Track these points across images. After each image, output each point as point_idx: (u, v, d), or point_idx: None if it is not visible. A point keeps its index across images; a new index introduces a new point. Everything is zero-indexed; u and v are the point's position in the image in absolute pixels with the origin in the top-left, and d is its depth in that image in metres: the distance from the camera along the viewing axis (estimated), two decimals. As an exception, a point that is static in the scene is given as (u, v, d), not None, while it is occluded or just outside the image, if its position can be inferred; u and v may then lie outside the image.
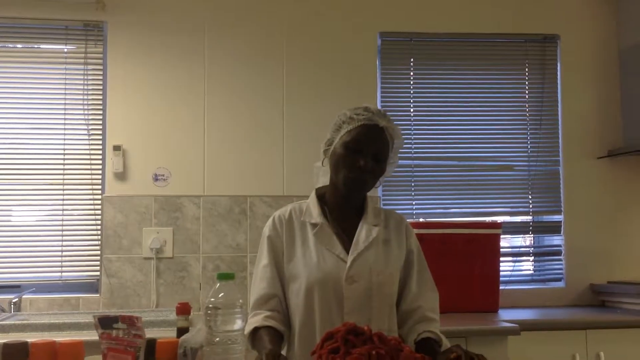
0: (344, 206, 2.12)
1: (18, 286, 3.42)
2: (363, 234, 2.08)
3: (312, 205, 2.14)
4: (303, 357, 1.99)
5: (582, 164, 3.91)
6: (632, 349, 3.14)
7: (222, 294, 1.36)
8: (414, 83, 3.87)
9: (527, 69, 3.96)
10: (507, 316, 3.23)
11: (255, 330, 1.97)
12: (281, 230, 2.11)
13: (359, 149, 2.02)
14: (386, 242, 2.11)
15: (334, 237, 2.06)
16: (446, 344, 2.03)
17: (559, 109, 3.95)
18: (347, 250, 2.05)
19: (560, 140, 3.93)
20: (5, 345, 1.42)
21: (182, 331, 1.58)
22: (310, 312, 2.00)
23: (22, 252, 3.49)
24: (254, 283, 2.09)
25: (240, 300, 1.37)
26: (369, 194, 2.16)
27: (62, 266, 3.49)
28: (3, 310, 3.23)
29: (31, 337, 1.50)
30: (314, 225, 2.09)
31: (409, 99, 3.86)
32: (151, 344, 1.41)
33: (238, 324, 1.36)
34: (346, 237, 2.08)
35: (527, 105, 3.95)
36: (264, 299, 2.04)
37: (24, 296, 3.33)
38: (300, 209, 2.15)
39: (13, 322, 2.91)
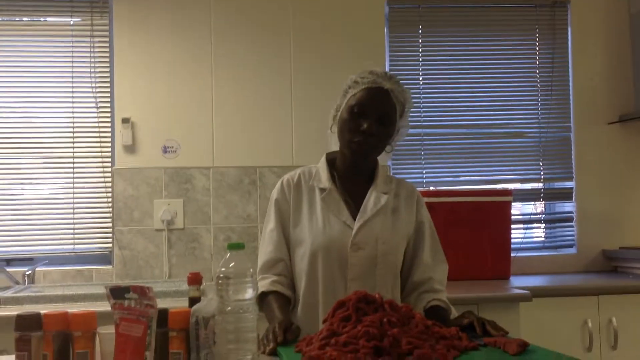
0: (352, 172, 2.10)
1: (31, 259, 3.45)
2: (371, 201, 2.07)
3: (321, 169, 2.13)
4: (306, 322, 2.00)
5: (593, 129, 3.88)
6: (644, 314, 3.14)
7: (233, 263, 1.36)
8: (422, 51, 3.84)
9: (537, 35, 3.92)
10: (519, 283, 3.23)
11: (263, 295, 1.99)
12: (289, 194, 2.10)
13: (363, 112, 2.00)
14: (395, 210, 2.10)
15: (342, 202, 2.05)
16: (454, 313, 2.03)
17: (570, 74, 3.91)
18: (354, 217, 2.04)
19: (571, 106, 3.89)
20: (19, 316, 1.43)
21: (194, 301, 1.58)
22: (314, 277, 2.01)
23: (34, 225, 3.51)
24: (262, 247, 2.11)
25: (251, 270, 1.37)
26: (380, 161, 2.15)
27: (74, 239, 3.51)
28: (17, 283, 3.26)
29: (45, 309, 1.51)
30: (322, 189, 2.07)
31: (418, 67, 3.83)
32: (163, 313, 1.42)
33: (249, 293, 1.36)
34: (354, 203, 2.07)
35: (537, 72, 3.91)
36: (270, 263, 2.05)
37: (37, 268, 3.35)
38: (309, 173, 2.14)
39: (27, 294, 2.93)
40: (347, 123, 2.01)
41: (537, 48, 3.92)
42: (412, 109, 3.80)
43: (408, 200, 2.14)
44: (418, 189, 3.65)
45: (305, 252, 2.02)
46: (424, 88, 3.82)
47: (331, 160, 2.15)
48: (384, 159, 2.17)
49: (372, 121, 1.99)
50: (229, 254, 1.38)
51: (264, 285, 2.02)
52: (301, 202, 2.09)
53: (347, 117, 2.02)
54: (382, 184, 2.11)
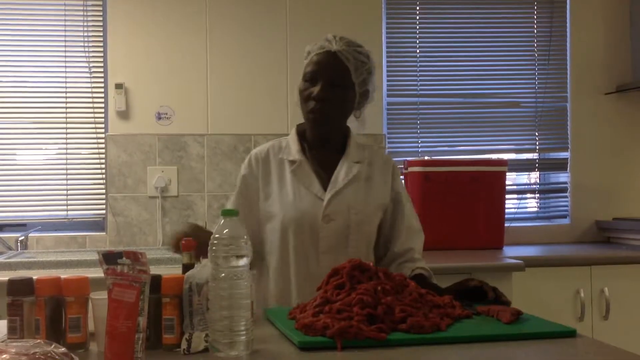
0: (322, 143, 2.07)
1: (24, 225, 3.44)
2: (343, 171, 2.04)
3: (291, 141, 2.09)
4: (278, 296, 1.99)
5: (590, 100, 3.86)
6: (636, 284, 3.16)
7: (227, 230, 1.35)
8: (419, 19, 3.80)
9: (536, 4, 3.88)
10: (512, 253, 3.24)
11: None
12: (257, 169, 2.07)
13: (314, 78, 1.98)
14: (368, 179, 2.07)
15: (313, 174, 2.02)
16: (435, 282, 2.03)
17: (568, 44, 3.88)
18: (326, 189, 2.01)
19: (568, 77, 3.87)
20: (11, 280, 1.42)
21: (187, 267, 1.58)
22: (285, 251, 1.99)
23: (27, 191, 3.49)
24: None
25: (245, 236, 1.36)
26: (356, 130, 2.12)
27: (67, 205, 3.50)
28: (10, 249, 3.25)
29: (38, 275, 1.50)
30: (292, 162, 2.04)
31: (415, 36, 3.79)
32: (156, 279, 1.41)
33: (243, 260, 1.35)
34: (326, 175, 2.04)
35: (535, 41, 3.88)
36: None
37: (30, 234, 3.34)
38: (279, 146, 2.10)
39: (20, 260, 2.93)
40: (301, 92, 2.01)
41: (535, 17, 3.89)
42: (408, 77, 3.79)
43: (383, 169, 2.11)
44: (413, 158, 3.67)
45: (276, 226, 1.99)
46: (420, 56, 3.79)
47: (301, 132, 2.11)
48: (360, 128, 2.13)
49: (322, 86, 1.96)
50: (222, 221, 1.37)
51: None
52: (270, 176, 2.06)
53: (301, 86, 2.02)
54: (354, 153, 2.08)
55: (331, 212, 1.97)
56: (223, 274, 1.34)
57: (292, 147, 2.07)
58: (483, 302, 1.76)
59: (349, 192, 2.01)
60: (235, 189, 2.13)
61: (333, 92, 1.97)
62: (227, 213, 1.38)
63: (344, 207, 1.98)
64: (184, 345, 1.39)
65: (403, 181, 3.56)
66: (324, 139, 2.07)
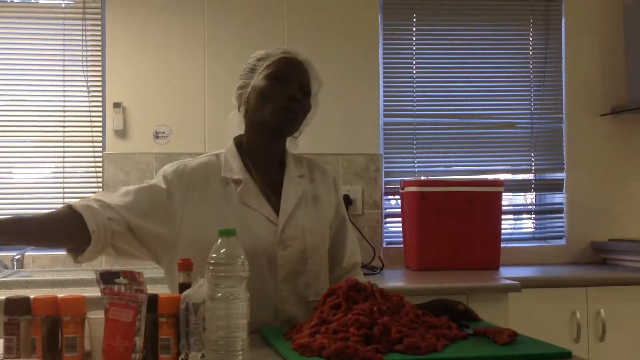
0: (265, 154, 1.94)
1: (20, 243, 3.43)
2: (290, 190, 1.92)
3: (231, 157, 1.93)
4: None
5: (585, 121, 3.88)
6: (633, 306, 3.16)
7: (224, 249, 1.36)
8: (416, 39, 3.83)
9: (531, 25, 3.91)
10: (508, 273, 3.25)
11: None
12: (187, 184, 1.86)
13: (284, 78, 1.88)
14: (315, 198, 1.98)
15: (260, 195, 1.88)
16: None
17: (563, 65, 3.91)
18: (276, 210, 1.88)
19: (563, 98, 3.90)
20: (8, 300, 1.42)
21: (184, 287, 1.58)
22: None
23: (24, 209, 3.48)
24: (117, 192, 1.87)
25: (242, 256, 1.36)
26: (289, 149, 2.02)
27: (64, 223, 3.49)
28: (6, 267, 3.24)
29: (34, 294, 1.50)
30: (237, 181, 1.88)
31: (412, 56, 3.82)
32: (153, 299, 1.41)
33: (240, 280, 1.35)
34: (272, 193, 1.91)
35: (530, 62, 3.91)
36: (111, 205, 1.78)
37: (26, 253, 3.34)
38: (218, 163, 1.93)
39: (16, 279, 2.93)
40: (268, 89, 1.87)
41: (530, 39, 3.92)
42: (405, 98, 3.82)
43: (325, 185, 2.03)
44: (409, 178, 3.68)
45: None
46: (417, 77, 3.81)
47: (238, 145, 1.96)
48: (292, 146, 2.02)
49: (295, 87, 1.88)
50: (219, 240, 1.37)
51: (80, 202, 1.76)
52: (208, 196, 1.86)
53: (267, 83, 1.87)
54: (294, 167, 1.98)
55: (287, 237, 1.86)
56: (220, 294, 1.34)
57: (233, 163, 1.91)
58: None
59: (301, 214, 1.91)
60: (144, 182, 1.95)
61: (303, 96, 1.92)
62: (224, 233, 1.38)
63: (299, 230, 1.88)
64: (180, 365, 1.38)
65: (399, 201, 3.59)
66: (269, 151, 1.95)
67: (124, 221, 1.79)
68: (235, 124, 2.00)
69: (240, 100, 1.96)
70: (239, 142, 1.98)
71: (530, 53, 3.91)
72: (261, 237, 1.84)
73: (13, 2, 3.55)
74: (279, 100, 1.86)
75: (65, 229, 1.74)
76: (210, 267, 1.35)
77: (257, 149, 1.94)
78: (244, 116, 1.96)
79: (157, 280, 2.84)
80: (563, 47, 3.91)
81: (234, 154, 1.93)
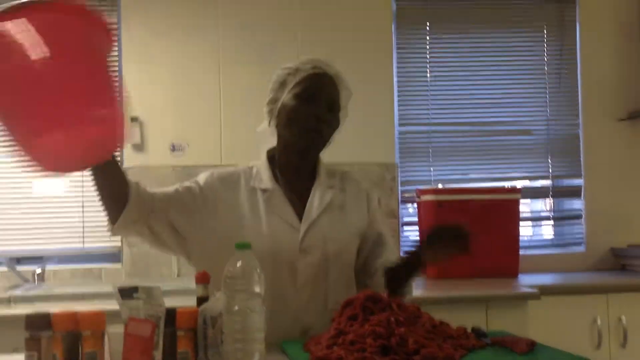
0: (296, 168, 1.97)
1: (41, 257, 3.47)
2: (316, 199, 1.94)
3: (262, 169, 1.98)
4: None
5: (602, 126, 3.86)
6: (653, 311, 3.13)
7: (240, 263, 1.37)
8: (430, 47, 3.83)
9: (545, 31, 3.91)
10: (527, 281, 3.23)
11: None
12: (221, 189, 1.94)
13: (312, 98, 1.89)
14: (342, 207, 1.98)
15: (286, 202, 1.91)
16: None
17: (578, 70, 3.89)
18: (300, 217, 1.91)
19: (579, 103, 3.88)
20: (28, 316, 1.44)
21: (201, 300, 1.59)
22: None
23: (44, 223, 3.52)
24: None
25: (258, 270, 1.37)
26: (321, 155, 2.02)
27: (83, 237, 3.53)
28: (27, 281, 3.28)
29: (55, 307, 1.52)
30: (264, 190, 1.93)
31: (426, 64, 3.82)
32: (171, 313, 1.42)
33: (257, 292, 1.36)
34: (299, 202, 1.94)
35: (545, 68, 3.90)
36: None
37: (47, 267, 3.37)
38: (250, 174, 1.98)
39: (37, 293, 2.96)
40: (296, 110, 1.89)
41: (545, 44, 3.91)
42: (419, 106, 3.81)
43: (356, 197, 2.03)
44: (426, 186, 3.67)
45: None
46: (431, 85, 3.82)
47: (270, 158, 2.01)
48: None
49: (322, 107, 1.89)
50: (236, 253, 1.38)
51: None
52: (239, 202, 1.93)
53: (295, 104, 1.90)
54: (325, 178, 2.00)
55: (308, 244, 1.88)
56: (237, 307, 1.35)
57: (264, 174, 1.96)
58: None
59: (324, 221, 1.92)
60: (181, 182, 2.00)
61: (331, 114, 1.93)
62: (240, 246, 1.39)
63: (319, 238, 1.90)
64: (198, 378, 1.39)
65: (409, 209, 3.57)
66: (300, 165, 1.98)
67: (166, 206, 1.88)
68: (266, 136, 2.02)
69: (271, 115, 1.99)
70: (271, 156, 2.01)
71: (545, 59, 3.90)
72: (283, 243, 1.86)
73: (31, 19, 3.58)
74: (306, 121, 1.89)
75: (118, 184, 1.81)
76: (227, 281, 1.36)
77: (287, 161, 1.97)
78: (276, 128, 1.99)
79: (177, 293, 2.85)
80: (578, 52, 3.89)
81: (266, 166, 1.98)
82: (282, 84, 1.96)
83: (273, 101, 1.98)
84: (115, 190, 1.82)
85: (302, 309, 1.88)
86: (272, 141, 2.01)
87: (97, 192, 1.83)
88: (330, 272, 1.91)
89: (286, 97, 1.93)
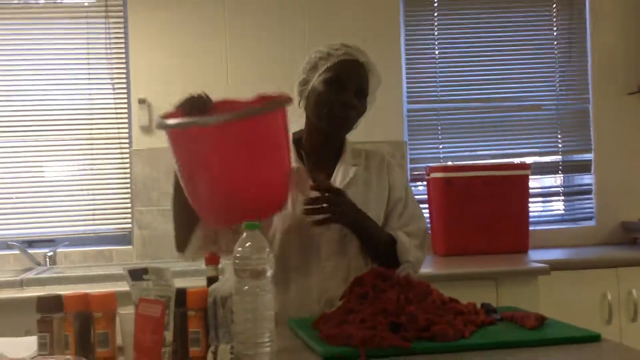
0: (322, 149, 2.02)
1: (52, 240, 3.49)
2: (340, 175, 2.00)
3: None
4: (277, 305, 1.88)
5: (612, 100, 3.83)
6: (664, 285, 3.12)
7: (249, 243, 1.37)
8: (438, 24, 3.80)
9: (555, 4, 3.86)
10: (537, 256, 3.23)
11: None
12: None
13: (342, 84, 1.93)
14: (366, 183, 2.02)
15: (309, 180, 1.91)
16: (403, 247, 1.95)
17: (588, 45, 3.85)
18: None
19: (589, 78, 3.85)
20: (40, 298, 1.45)
21: (211, 280, 1.60)
22: (285, 259, 1.93)
23: (54, 206, 3.54)
24: None
25: (267, 249, 1.37)
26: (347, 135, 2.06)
27: (94, 219, 3.54)
28: (39, 264, 3.30)
29: (66, 290, 1.53)
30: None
31: (434, 41, 3.79)
32: (181, 293, 1.43)
33: (266, 272, 1.37)
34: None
35: (555, 43, 3.87)
36: None
37: (58, 250, 3.39)
38: None
39: (49, 276, 2.99)
40: (325, 95, 1.93)
41: (554, 18, 3.87)
42: (428, 83, 3.80)
43: (378, 170, 2.07)
44: (435, 164, 3.67)
45: (275, 234, 1.94)
46: (440, 62, 3.79)
47: (297, 140, 2.05)
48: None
49: (350, 93, 1.93)
50: (245, 234, 1.39)
51: None
52: None
53: (324, 89, 1.93)
54: (351, 157, 2.05)
55: None
56: (246, 287, 1.35)
57: None
58: None
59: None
60: None
61: (359, 101, 1.96)
62: (249, 226, 1.39)
63: None
64: (210, 358, 1.40)
65: (419, 187, 3.56)
66: (326, 146, 2.03)
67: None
68: (295, 116, 2.02)
69: (302, 96, 2.02)
70: (297, 138, 2.05)
71: (555, 34, 3.87)
72: (306, 218, 1.88)
73: (38, 3, 3.59)
74: (335, 108, 1.92)
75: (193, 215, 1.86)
76: (236, 261, 1.36)
77: (314, 143, 2.02)
78: (305, 110, 2.02)
79: (187, 274, 2.87)
80: (587, 26, 3.85)
81: (291, 147, 1.98)
82: (314, 67, 1.99)
83: (304, 82, 2.01)
84: (189, 219, 1.89)
85: (327, 279, 1.92)
86: (300, 122, 2.06)
87: (174, 220, 1.94)
88: (352, 245, 1.95)
89: (316, 81, 1.96)
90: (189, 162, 1.76)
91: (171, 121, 1.77)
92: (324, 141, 2.02)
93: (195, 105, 1.85)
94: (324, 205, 1.82)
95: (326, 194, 1.83)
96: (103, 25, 3.57)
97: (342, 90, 1.93)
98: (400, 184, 2.09)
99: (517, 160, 3.78)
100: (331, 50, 1.97)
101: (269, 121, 1.72)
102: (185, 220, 1.89)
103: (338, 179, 1.99)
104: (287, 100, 1.74)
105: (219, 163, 1.66)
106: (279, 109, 1.72)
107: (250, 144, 1.66)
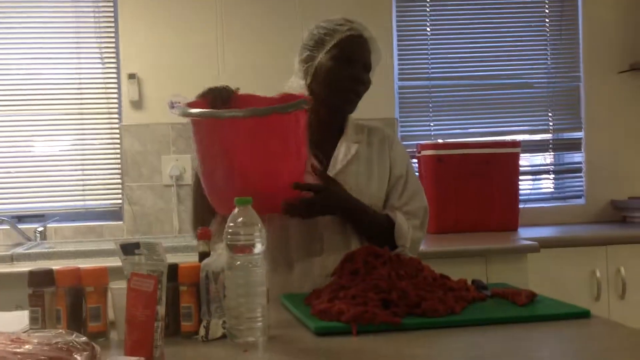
0: (326, 125, 2.03)
1: (42, 215, 3.48)
2: (342, 152, 2.01)
3: None
4: (277, 283, 1.87)
5: (603, 79, 3.83)
6: (653, 263, 3.15)
7: (241, 218, 1.37)
8: (430, 1, 3.77)
9: (546, -19, 3.85)
10: (527, 234, 3.24)
11: None
12: None
13: (350, 60, 1.95)
14: (368, 160, 2.04)
15: (311, 157, 1.95)
16: (400, 230, 1.97)
17: (580, 23, 3.84)
18: (325, 170, 1.96)
19: (580, 56, 3.84)
20: (32, 272, 1.45)
21: (203, 256, 1.59)
22: (285, 237, 1.94)
23: (44, 182, 3.52)
24: None
25: (259, 224, 1.37)
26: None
27: (84, 195, 3.53)
28: (29, 239, 3.29)
29: (57, 265, 1.53)
30: None
31: (426, 17, 3.77)
32: (173, 268, 1.43)
33: (258, 248, 1.37)
34: (325, 156, 2.00)
35: (546, 21, 3.86)
36: None
37: (49, 225, 3.38)
38: None
39: (39, 251, 2.98)
40: (335, 72, 1.95)
41: (546, -4, 3.86)
42: (419, 60, 3.78)
43: (380, 146, 2.08)
44: (426, 141, 3.66)
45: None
46: (431, 38, 3.78)
47: None
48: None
49: (359, 68, 1.96)
50: (237, 209, 1.39)
51: None
52: None
53: (333, 65, 1.95)
54: (353, 134, 2.05)
55: None
56: (238, 262, 1.35)
57: None
58: None
59: (349, 173, 1.98)
60: None
61: (366, 75, 1.99)
62: (241, 202, 1.39)
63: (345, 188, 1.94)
64: (202, 332, 1.41)
65: (416, 164, 3.56)
66: (330, 123, 2.04)
67: None
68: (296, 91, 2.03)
69: (307, 73, 2.01)
70: None
71: (546, 11, 3.86)
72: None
73: (25, -25, 3.54)
74: (344, 82, 1.95)
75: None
76: (228, 236, 1.36)
77: (318, 118, 1.99)
78: (308, 87, 2.01)
79: (178, 249, 2.87)
80: (579, 3, 3.84)
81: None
82: (319, 43, 1.98)
83: (308, 60, 2.00)
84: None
85: (329, 255, 1.92)
86: None
87: (193, 207, 2.00)
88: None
89: (324, 57, 1.96)
90: (211, 151, 1.81)
91: (202, 111, 1.87)
92: (330, 117, 2.03)
93: (219, 96, 1.89)
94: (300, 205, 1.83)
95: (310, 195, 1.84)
96: (92, -1, 3.53)
97: (351, 65, 1.96)
98: (402, 160, 2.10)
99: (507, 138, 3.78)
100: (336, 26, 1.97)
101: (292, 120, 1.79)
102: (203, 209, 1.93)
103: (340, 156, 2.00)
104: (310, 101, 1.79)
105: (247, 154, 1.74)
106: (302, 110, 1.78)
107: (278, 138, 1.75)
